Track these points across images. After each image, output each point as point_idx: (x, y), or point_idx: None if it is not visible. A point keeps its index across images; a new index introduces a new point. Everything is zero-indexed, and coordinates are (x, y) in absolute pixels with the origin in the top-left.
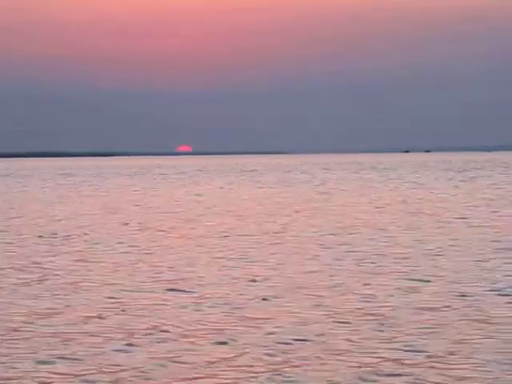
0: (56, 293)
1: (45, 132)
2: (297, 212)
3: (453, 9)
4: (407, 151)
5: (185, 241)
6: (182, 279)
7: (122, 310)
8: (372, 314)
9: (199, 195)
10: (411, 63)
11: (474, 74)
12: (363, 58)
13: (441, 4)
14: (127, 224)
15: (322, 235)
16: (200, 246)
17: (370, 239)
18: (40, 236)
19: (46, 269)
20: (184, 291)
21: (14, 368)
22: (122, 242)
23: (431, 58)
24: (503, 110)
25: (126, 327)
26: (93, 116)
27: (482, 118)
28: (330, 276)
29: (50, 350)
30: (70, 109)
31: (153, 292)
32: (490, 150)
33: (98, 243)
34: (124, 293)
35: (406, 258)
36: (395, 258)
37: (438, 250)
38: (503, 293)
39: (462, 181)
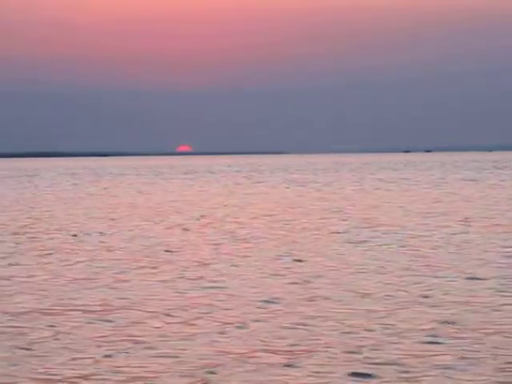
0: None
1: (45, 132)
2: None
3: (460, 7)
4: (407, 151)
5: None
6: None
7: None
8: None
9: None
10: (411, 62)
11: (473, 73)
12: (363, 58)
13: (451, 2)
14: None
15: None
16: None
17: None
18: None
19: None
20: None
21: None
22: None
23: (431, 57)
24: (503, 109)
25: None
26: (92, 116)
27: (482, 117)
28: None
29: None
30: (69, 109)
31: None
32: (490, 150)
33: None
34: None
35: None
36: None
37: None
38: None
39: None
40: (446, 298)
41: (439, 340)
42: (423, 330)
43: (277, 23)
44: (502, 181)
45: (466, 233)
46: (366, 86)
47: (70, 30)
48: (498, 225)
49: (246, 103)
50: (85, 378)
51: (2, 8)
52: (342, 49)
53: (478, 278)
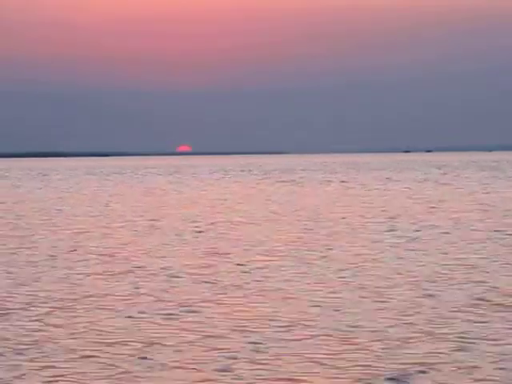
0: None
1: (45, 132)
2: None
3: (460, 7)
4: (407, 151)
5: None
6: None
7: None
8: None
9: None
10: (411, 62)
11: (473, 73)
12: (363, 58)
13: (451, 2)
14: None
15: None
16: None
17: None
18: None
19: None
20: None
21: None
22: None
23: (431, 57)
24: (503, 109)
25: None
26: (92, 116)
27: (482, 117)
28: None
29: None
30: (69, 109)
31: None
32: (490, 150)
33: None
34: None
35: None
36: None
37: None
38: None
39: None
40: None
41: None
42: None
43: (277, 23)
44: None
45: None
46: (366, 86)
47: (70, 30)
48: None
49: (246, 103)
50: None
51: (1, 8)
52: (342, 49)
53: None
